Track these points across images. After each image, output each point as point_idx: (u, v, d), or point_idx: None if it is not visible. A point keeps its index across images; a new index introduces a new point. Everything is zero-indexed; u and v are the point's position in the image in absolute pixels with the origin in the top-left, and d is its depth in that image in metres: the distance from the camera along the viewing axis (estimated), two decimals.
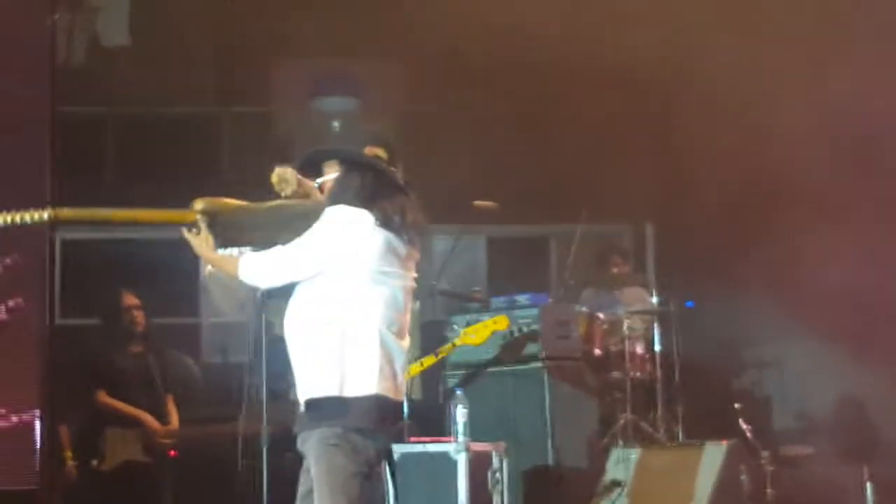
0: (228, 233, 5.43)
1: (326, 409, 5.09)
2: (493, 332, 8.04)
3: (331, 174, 5.40)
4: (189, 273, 12.98)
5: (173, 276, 12.53)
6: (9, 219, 5.48)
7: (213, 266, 5.49)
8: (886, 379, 9.73)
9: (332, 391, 5.09)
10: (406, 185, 5.34)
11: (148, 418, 8.46)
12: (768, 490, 7.86)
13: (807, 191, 9.78)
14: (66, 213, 5.74)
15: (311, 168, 5.50)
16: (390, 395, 5.16)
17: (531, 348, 8.39)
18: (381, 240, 5.17)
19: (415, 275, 5.37)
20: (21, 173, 7.87)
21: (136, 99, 12.37)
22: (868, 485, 8.96)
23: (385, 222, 5.18)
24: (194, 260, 12.78)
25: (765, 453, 8.06)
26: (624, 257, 10.27)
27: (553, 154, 12.75)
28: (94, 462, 8.39)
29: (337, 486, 5.05)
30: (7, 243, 7.56)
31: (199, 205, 5.44)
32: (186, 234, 5.43)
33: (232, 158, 13.31)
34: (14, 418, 7.67)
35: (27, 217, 5.53)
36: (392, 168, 5.34)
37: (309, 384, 5.16)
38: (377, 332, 5.15)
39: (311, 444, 5.13)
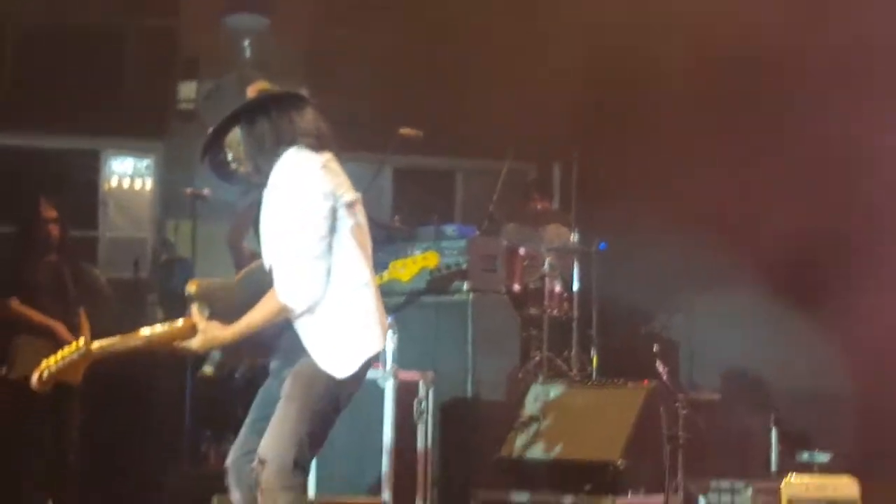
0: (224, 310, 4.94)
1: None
2: (422, 269, 7.89)
3: (235, 140, 5.04)
4: (88, 185, 12.78)
5: (73, 188, 12.32)
6: None
7: (244, 334, 4.89)
8: (796, 329, 9.92)
9: (361, 356, 4.95)
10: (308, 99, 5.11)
11: (60, 328, 8.28)
12: (681, 433, 7.89)
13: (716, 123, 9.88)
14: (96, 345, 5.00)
15: (215, 149, 5.11)
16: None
17: (457, 282, 8.33)
18: (329, 170, 4.95)
19: None
20: None
21: (36, 8, 12.05)
22: (773, 430, 9.15)
23: (317, 147, 4.96)
24: (94, 172, 12.53)
25: (680, 396, 8.10)
26: (542, 193, 10.25)
27: (465, 86, 12.70)
28: (2, 370, 8.20)
29: (306, 416, 4.90)
30: None
31: (192, 287, 4.95)
32: (193, 345, 4.90)
33: (136, 74, 13.03)
34: None
35: None
36: (281, 90, 5.08)
37: (330, 354, 4.91)
38: (370, 271, 5.03)
39: (298, 370, 4.96)
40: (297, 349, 4.96)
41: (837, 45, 9.54)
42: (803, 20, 9.49)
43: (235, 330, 4.86)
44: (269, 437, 4.92)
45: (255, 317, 4.86)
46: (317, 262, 4.83)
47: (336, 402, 4.98)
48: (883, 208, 9.62)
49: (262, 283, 4.92)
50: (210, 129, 5.04)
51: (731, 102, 10.18)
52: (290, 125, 4.96)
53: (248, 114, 4.98)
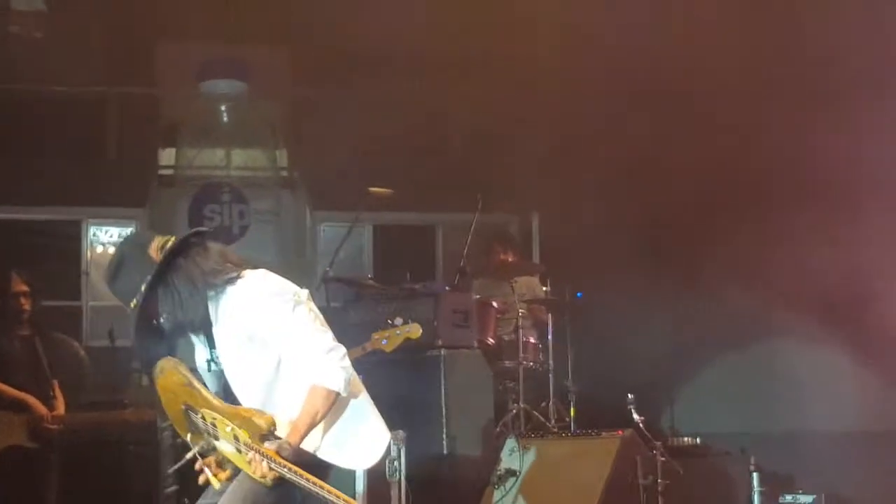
0: None
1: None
2: (406, 340, 7.78)
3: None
4: (71, 255, 12.83)
5: (55, 258, 12.35)
6: None
7: (308, 432, 4.82)
8: (765, 372, 9.94)
9: (382, 443, 5.14)
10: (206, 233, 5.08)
11: (35, 403, 8.27)
12: (660, 480, 7.87)
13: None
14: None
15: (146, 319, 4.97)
16: None
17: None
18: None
19: None
20: None
21: (18, 76, 12.15)
22: (754, 474, 9.10)
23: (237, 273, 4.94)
24: (76, 242, 12.54)
25: (657, 443, 8.10)
26: (504, 246, 10.10)
27: (441, 142, 12.76)
28: None
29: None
30: None
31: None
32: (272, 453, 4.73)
33: (118, 140, 13.14)
34: None
35: None
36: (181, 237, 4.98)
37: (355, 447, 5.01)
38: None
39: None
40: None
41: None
42: None
43: (300, 431, 4.80)
44: None
45: (307, 412, 4.80)
46: (333, 340, 4.85)
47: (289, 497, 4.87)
48: None
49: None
50: (131, 306, 4.90)
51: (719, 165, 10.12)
52: (198, 269, 4.91)
53: (159, 280, 4.88)
